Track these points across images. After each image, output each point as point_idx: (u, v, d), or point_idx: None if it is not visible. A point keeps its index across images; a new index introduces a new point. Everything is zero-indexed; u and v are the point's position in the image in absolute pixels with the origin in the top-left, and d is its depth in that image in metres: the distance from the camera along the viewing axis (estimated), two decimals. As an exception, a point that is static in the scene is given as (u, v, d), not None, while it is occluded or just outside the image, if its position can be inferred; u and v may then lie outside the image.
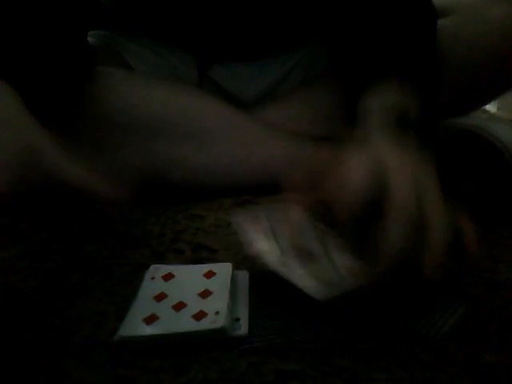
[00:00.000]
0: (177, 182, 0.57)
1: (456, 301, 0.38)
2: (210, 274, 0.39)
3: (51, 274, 0.43)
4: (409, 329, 0.36)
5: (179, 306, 0.36)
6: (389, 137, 0.43)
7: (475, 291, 0.40)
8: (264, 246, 0.39)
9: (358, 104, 0.50)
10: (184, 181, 0.57)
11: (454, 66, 0.61)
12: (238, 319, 0.36)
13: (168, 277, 0.39)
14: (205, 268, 0.40)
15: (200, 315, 0.35)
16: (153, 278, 0.39)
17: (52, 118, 0.44)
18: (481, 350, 0.34)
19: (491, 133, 0.55)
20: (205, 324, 0.34)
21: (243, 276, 0.41)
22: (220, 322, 0.34)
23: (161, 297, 0.37)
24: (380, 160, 0.39)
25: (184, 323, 0.34)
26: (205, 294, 0.37)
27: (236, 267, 0.41)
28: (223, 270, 0.40)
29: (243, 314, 0.36)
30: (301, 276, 0.36)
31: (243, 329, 0.35)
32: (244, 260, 0.44)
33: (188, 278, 0.39)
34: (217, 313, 0.35)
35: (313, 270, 0.37)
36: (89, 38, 0.61)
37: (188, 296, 0.37)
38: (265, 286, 0.39)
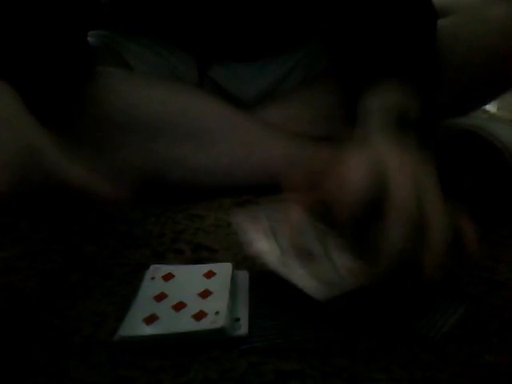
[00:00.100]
0: (177, 182, 0.57)
1: (456, 301, 0.38)
2: (209, 274, 0.39)
3: (51, 274, 0.43)
4: (409, 329, 0.36)
5: (179, 306, 0.36)
6: (389, 137, 0.43)
7: (475, 291, 0.40)
8: (264, 246, 0.39)
9: (357, 104, 0.50)
10: (184, 181, 0.57)
11: (453, 66, 0.61)
12: (238, 319, 0.36)
13: (168, 277, 0.39)
14: (205, 268, 0.40)
15: (200, 315, 0.35)
16: (153, 278, 0.39)
17: (52, 118, 0.44)
18: (481, 350, 0.34)
19: (491, 133, 0.55)
20: (205, 324, 0.34)
21: (243, 276, 0.41)
22: (220, 322, 0.34)
23: (161, 297, 0.37)
24: (380, 160, 0.39)
25: (184, 323, 0.34)
26: (205, 294, 0.37)
27: (236, 267, 0.41)
28: (223, 269, 0.40)
29: (243, 314, 0.36)
30: (301, 276, 0.36)
31: (243, 329, 0.35)
32: (244, 260, 0.44)
33: (188, 278, 0.39)
34: (217, 313, 0.35)
35: (313, 270, 0.37)
36: (89, 38, 0.62)
37: (188, 296, 0.37)
38: (265, 286, 0.39)
